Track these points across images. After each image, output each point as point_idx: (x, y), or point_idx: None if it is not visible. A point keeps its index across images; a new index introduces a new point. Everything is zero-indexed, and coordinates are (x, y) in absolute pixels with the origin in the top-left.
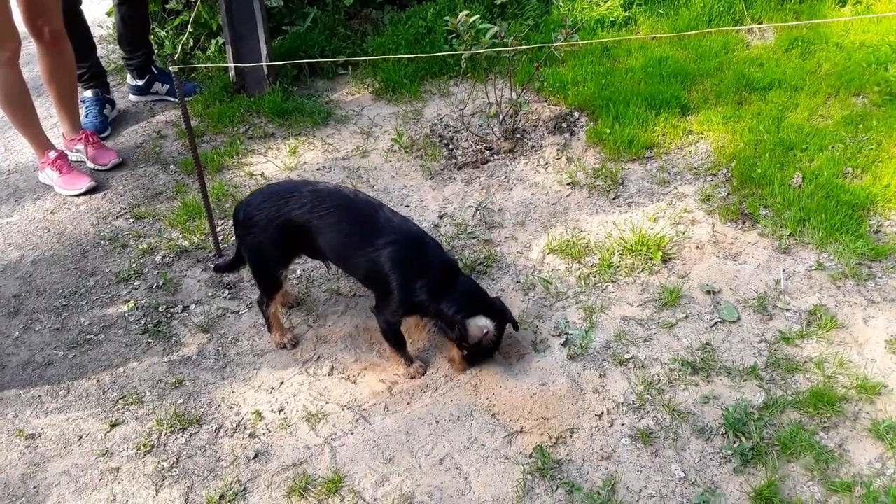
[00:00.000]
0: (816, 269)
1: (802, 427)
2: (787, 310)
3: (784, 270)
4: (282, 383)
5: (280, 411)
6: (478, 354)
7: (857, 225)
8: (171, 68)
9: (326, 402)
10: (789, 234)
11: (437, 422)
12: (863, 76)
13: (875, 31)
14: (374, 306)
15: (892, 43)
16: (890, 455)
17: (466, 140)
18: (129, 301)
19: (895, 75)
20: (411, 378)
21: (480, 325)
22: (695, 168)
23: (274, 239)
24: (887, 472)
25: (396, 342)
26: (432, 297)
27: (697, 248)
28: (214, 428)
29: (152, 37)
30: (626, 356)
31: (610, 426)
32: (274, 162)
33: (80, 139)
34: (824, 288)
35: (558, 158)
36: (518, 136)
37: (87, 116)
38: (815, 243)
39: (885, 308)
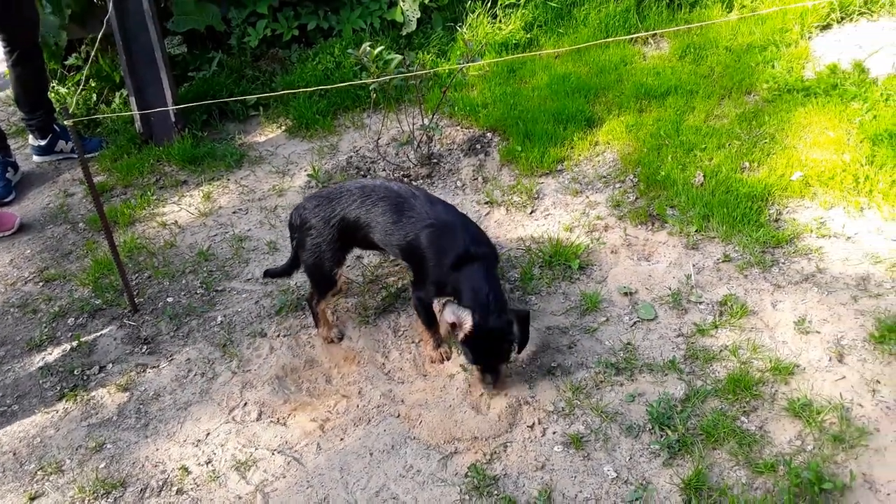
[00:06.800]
0: (724, 261)
1: (724, 414)
2: (700, 303)
3: (694, 265)
4: (208, 434)
5: (208, 463)
6: (469, 351)
7: (757, 215)
8: (65, 122)
9: (256, 448)
10: (696, 231)
11: (371, 454)
12: (752, 75)
13: (761, 32)
14: (412, 282)
15: (776, 41)
16: (808, 431)
17: (384, 169)
18: (42, 368)
19: (781, 72)
20: (432, 362)
21: (453, 315)
22: (604, 177)
23: (331, 238)
24: (807, 449)
25: (427, 319)
26: (447, 279)
27: (612, 252)
28: (140, 489)
29: (53, 94)
30: (552, 364)
31: (542, 435)
32: (188, 210)
33: None
34: (733, 278)
35: (475, 179)
36: (434, 160)
37: None
38: (720, 237)
39: (791, 291)
